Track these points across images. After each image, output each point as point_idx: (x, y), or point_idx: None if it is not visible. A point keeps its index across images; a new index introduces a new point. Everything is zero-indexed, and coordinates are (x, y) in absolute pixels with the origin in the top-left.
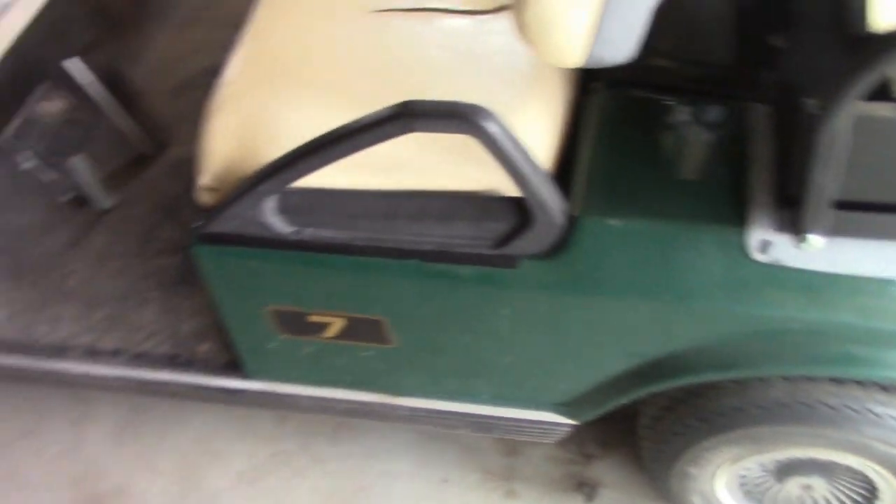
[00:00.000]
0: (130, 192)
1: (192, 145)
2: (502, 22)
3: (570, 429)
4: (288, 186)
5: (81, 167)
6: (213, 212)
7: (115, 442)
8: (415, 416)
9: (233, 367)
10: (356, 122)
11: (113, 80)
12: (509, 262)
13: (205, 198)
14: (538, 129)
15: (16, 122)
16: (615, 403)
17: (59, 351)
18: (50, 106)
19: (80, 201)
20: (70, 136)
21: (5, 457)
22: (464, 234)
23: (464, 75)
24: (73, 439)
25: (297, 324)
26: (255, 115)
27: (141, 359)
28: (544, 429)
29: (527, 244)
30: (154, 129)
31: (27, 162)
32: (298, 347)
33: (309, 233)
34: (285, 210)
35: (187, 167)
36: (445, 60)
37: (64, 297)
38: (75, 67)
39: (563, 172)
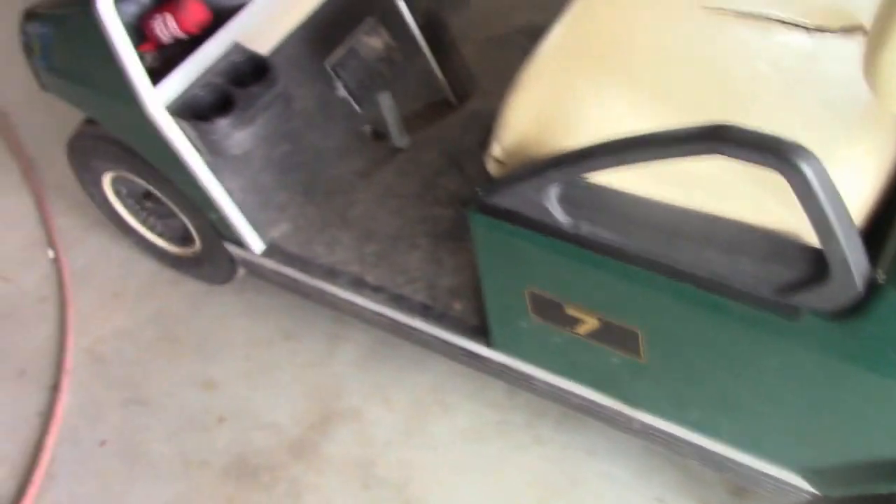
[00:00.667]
0: (425, 135)
1: (491, 100)
2: (846, 46)
3: (809, 497)
4: (576, 178)
5: (386, 103)
6: (497, 183)
7: (360, 367)
8: (647, 432)
9: (480, 332)
10: (661, 133)
11: (432, 25)
12: (791, 312)
13: (492, 167)
14: (858, 178)
15: (340, 51)
16: (871, 489)
17: (330, 274)
18: (371, 41)
19: (379, 136)
20: (383, 72)
21: (266, 352)
22: (747, 271)
23: (789, 100)
24: (325, 353)
25: (552, 312)
26: (559, 97)
27: (398, 301)
28: (781, 487)
29: (815, 299)
30: (460, 78)
31: (341, 90)
32: (548, 334)
33: (586, 228)
34: (568, 200)
35: (483, 121)
36: (773, 79)
37: (344, 223)
38: (401, 7)
39: (875, 230)
